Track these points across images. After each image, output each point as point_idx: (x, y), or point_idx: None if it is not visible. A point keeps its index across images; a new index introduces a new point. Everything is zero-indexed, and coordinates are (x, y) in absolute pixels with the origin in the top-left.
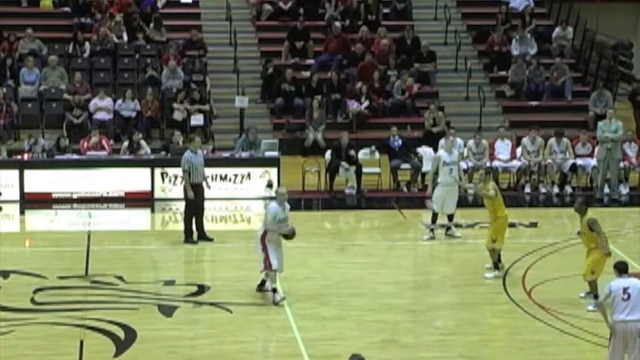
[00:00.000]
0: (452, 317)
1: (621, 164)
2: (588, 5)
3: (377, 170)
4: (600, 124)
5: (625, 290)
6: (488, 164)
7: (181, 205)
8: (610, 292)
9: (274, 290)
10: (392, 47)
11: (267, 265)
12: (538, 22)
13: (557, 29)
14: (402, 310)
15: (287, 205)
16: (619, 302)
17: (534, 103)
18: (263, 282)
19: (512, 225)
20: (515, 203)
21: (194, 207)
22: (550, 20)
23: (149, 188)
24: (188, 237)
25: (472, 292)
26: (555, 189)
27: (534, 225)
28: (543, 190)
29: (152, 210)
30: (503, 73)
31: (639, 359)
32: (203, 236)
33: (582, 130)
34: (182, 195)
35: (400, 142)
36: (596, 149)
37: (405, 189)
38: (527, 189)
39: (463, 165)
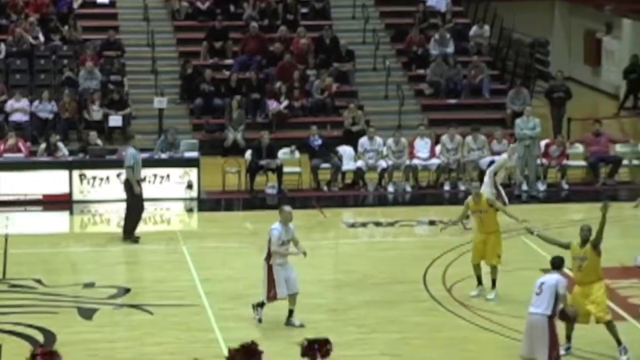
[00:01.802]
0: (374, 315)
1: (539, 161)
2: (504, 4)
3: (297, 169)
4: (518, 121)
5: (540, 285)
6: (407, 162)
7: (100, 207)
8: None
9: (290, 313)
10: (311, 46)
11: (271, 295)
12: (455, 20)
13: (474, 28)
14: (324, 309)
15: (291, 226)
16: (533, 295)
17: (453, 101)
18: (262, 304)
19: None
20: (434, 201)
21: (140, 203)
22: (468, 18)
23: (67, 190)
24: (131, 235)
25: (393, 290)
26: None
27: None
28: (462, 187)
29: (71, 213)
30: (422, 71)
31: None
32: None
33: (498, 127)
34: (101, 197)
35: (320, 141)
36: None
37: (325, 188)
38: (447, 187)
39: (382, 164)
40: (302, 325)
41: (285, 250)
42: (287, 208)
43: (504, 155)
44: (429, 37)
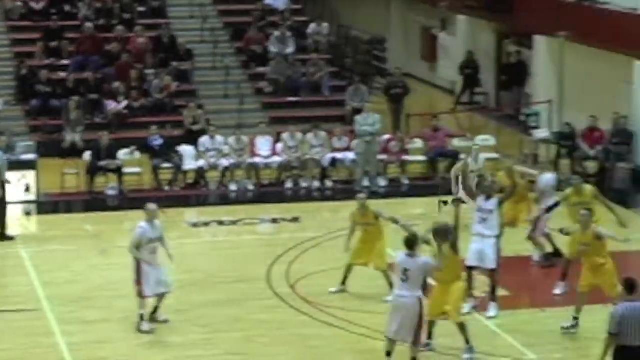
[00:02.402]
0: (218, 314)
1: (379, 157)
2: (342, 1)
3: (138, 170)
4: (357, 118)
5: (405, 271)
6: (249, 161)
7: None
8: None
9: (141, 317)
10: (149, 45)
11: (139, 291)
12: (294, 18)
13: (312, 25)
14: (167, 310)
15: (158, 223)
16: (397, 279)
17: (293, 99)
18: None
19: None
20: (277, 199)
21: (4, 204)
22: (306, 16)
23: None
24: (4, 235)
25: (237, 289)
26: (316, 183)
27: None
28: (304, 184)
29: None
30: (261, 70)
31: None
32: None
33: (338, 124)
34: None
35: (160, 141)
36: (354, 143)
37: (167, 188)
38: (289, 184)
39: (224, 162)
40: (166, 321)
41: (153, 249)
42: (151, 206)
43: (464, 159)
44: (268, 35)
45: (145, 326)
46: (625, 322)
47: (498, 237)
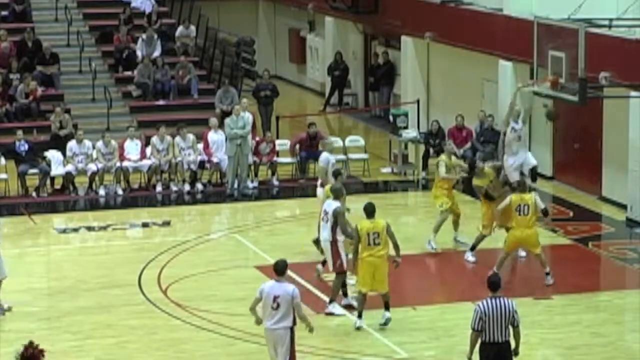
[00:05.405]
0: (88, 321)
1: (249, 159)
2: (209, 4)
3: (3, 176)
4: (227, 120)
5: (275, 298)
6: (118, 165)
7: None
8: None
9: None
10: (12, 50)
11: None
12: (161, 21)
13: (180, 28)
14: (36, 318)
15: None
16: (267, 308)
17: (161, 102)
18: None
19: None
20: (147, 203)
21: None
22: (173, 19)
23: None
24: None
25: (108, 295)
26: (187, 187)
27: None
28: (174, 188)
29: None
30: (129, 73)
31: None
32: None
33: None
34: None
35: (26, 146)
36: (225, 145)
37: (34, 194)
38: (159, 188)
39: (92, 167)
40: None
41: None
42: None
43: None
44: (135, 38)
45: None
46: (488, 319)
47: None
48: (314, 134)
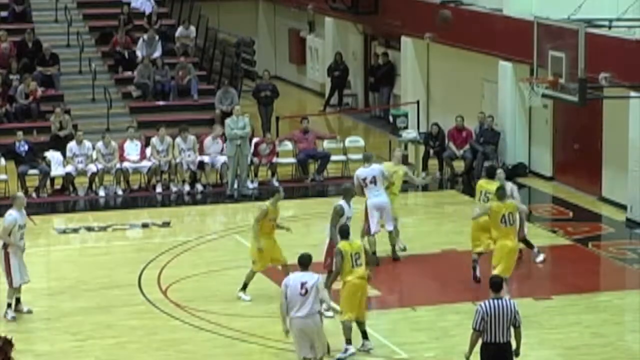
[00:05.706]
0: (88, 321)
1: (249, 160)
2: (209, 4)
3: (3, 177)
4: (227, 121)
5: (303, 284)
6: (118, 165)
7: None
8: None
9: (9, 306)
10: (13, 50)
11: (10, 282)
12: (161, 22)
13: (180, 29)
14: (36, 318)
15: (24, 212)
16: (295, 297)
17: (161, 103)
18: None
19: None
20: (147, 203)
21: None
22: (173, 19)
23: None
24: None
25: (108, 295)
26: (186, 187)
27: None
28: (174, 189)
29: None
30: (129, 74)
31: None
32: None
33: (209, 127)
34: None
35: (26, 147)
36: (224, 146)
37: (34, 195)
38: (159, 189)
39: (92, 168)
40: (30, 312)
41: (22, 234)
42: (19, 194)
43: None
44: (135, 39)
45: (11, 314)
46: (490, 319)
47: None
48: (305, 129)
